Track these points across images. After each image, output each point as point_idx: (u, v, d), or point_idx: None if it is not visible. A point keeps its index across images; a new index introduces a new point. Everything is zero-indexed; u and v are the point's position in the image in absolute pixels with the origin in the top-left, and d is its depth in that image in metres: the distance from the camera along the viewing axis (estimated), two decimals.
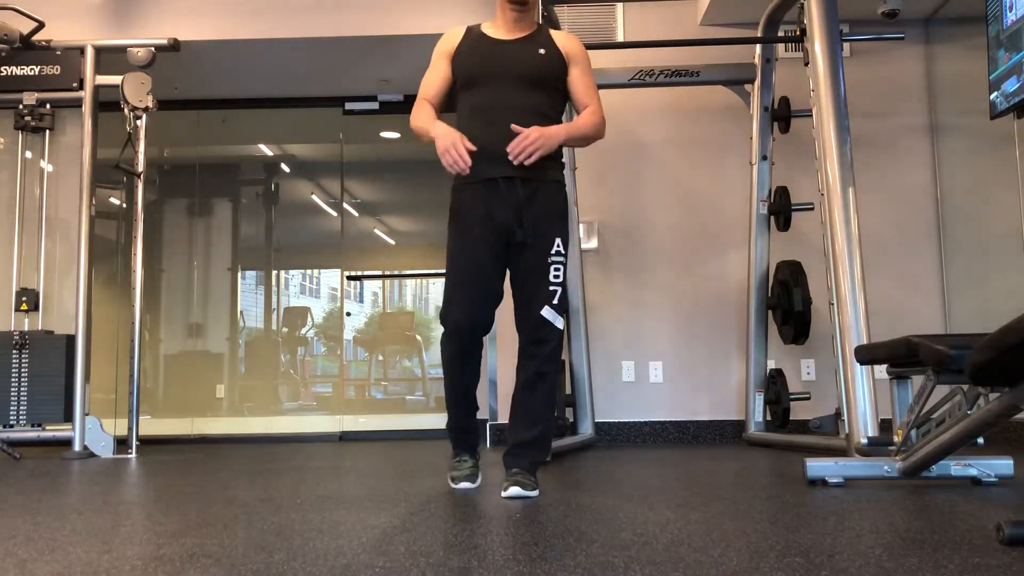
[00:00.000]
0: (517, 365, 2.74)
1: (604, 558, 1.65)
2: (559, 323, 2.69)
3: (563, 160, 2.83)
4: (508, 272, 2.76)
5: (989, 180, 4.40)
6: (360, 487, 2.89)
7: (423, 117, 2.74)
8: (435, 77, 2.82)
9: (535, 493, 2.58)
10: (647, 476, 3.07)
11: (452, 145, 2.55)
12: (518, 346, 2.74)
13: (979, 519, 2.03)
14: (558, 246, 2.70)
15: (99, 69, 4.71)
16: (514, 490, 2.55)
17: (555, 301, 2.68)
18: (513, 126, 2.62)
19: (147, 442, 4.90)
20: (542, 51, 2.78)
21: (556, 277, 2.69)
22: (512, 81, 2.73)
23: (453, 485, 2.79)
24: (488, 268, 2.69)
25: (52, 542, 1.93)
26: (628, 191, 4.92)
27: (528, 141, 2.58)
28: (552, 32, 2.87)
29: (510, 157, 2.60)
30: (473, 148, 2.57)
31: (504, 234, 2.68)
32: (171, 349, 6.13)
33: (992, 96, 3.83)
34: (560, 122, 2.78)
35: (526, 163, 2.59)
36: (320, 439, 5.61)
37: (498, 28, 2.83)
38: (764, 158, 4.65)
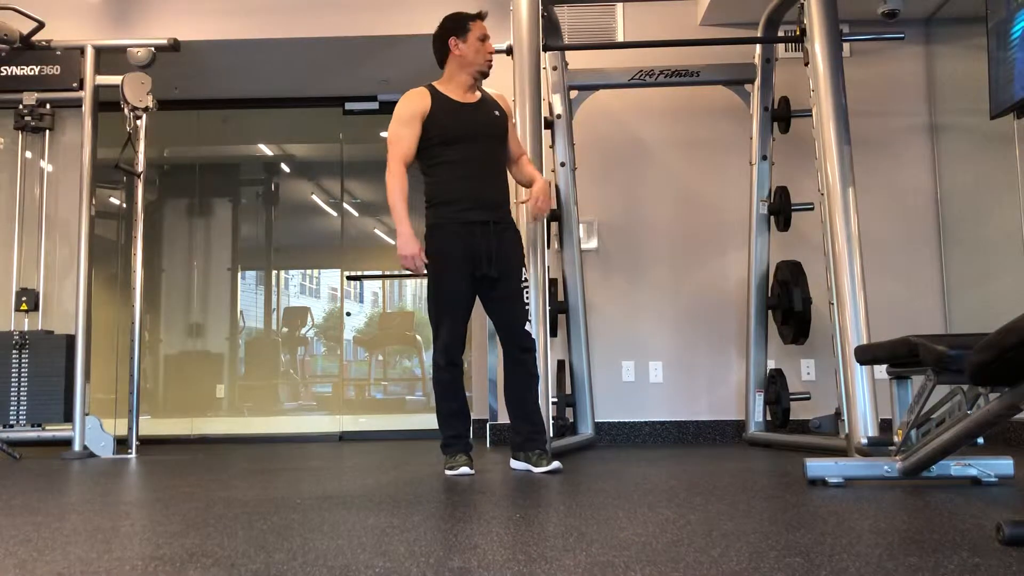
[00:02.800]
0: (507, 370, 3.34)
1: (604, 558, 1.65)
2: (534, 333, 3.39)
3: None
4: (481, 296, 3.32)
5: (989, 180, 4.40)
6: (360, 487, 2.89)
7: (399, 195, 3.23)
8: (412, 136, 3.28)
9: (561, 465, 3.26)
10: (647, 476, 3.07)
11: (414, 256, 3.18)
12: (504, 355, 3.35)
13: (979, 519, 2.03)
14: (524, 274, 3.34)
15: (99, 69, 4.71)
16: (556, 464, 3.21)
17: (529, 317, 3.35)
18: (524, 199, 3.44)
19: (147, 442, 4.89)
20: (496, 112, 3.39)
21: (527, 299, 3.34)
22: (482, 141, 3.31)
23: (451, 472, 3.20)
24: (467, 297, 3.28)
25: (52, 542, 1.93)
26: (628, 191, 4.92)
27: (544, 199, 3.32)
28: (491, 93, 3.46)
29: (532, 217, 3.42)
30: (426, 260, 3.21)
31: (478, 267, 3.23)
32: (171, 349, 6.13)
33: (992, 95, 3.83)
34: (506, 169, 3.45)
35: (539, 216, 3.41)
36: (320, 439, 5.61)
37: (454, 90, 3.35)
38: (764, 158, 4.65)
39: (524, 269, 3.34)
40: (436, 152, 3.29)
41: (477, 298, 3.34)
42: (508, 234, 3.32)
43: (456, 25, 3.35)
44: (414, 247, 3.19)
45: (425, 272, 3.23)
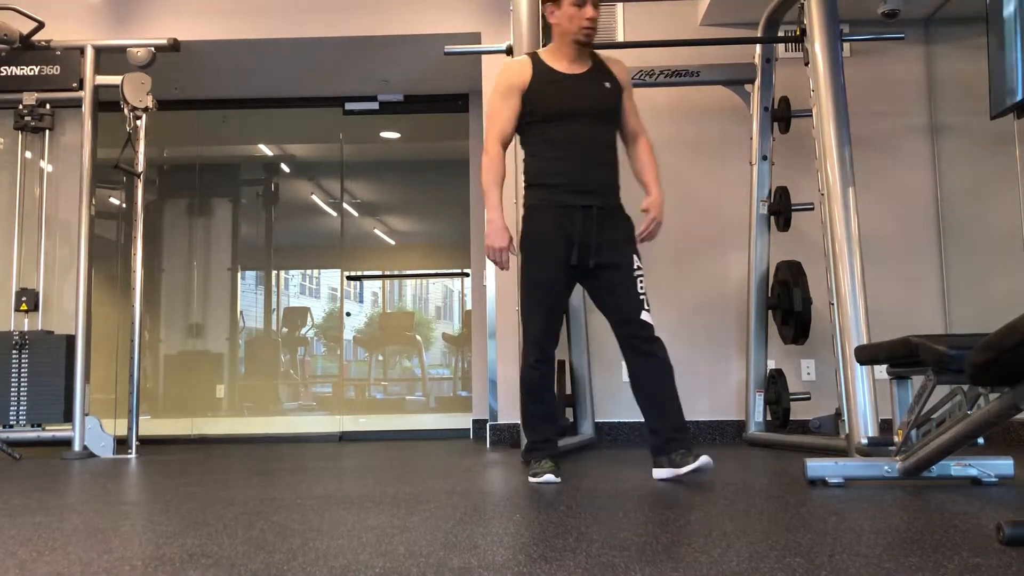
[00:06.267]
0: (632, 367, 2.98)
1: (604, 558, 1.65)
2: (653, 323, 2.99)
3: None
4: (587, 289, 3.07)
5: (989, 180, 4.40)
6: (360, 487, 2.89)
7: (491, 179, 2.97)
8: (509, 112, 3.01)
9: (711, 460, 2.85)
10: (647, 476, 3.07)
11: (502, 249, 2.95)
12: (624, 351, 2.99)
13: (979, 519, 2.03)
14: (637, 263, 3.00)
15: (99, 69, 4.71)
16: (704, 459, 2.80)
17: (647, 306, 2.97)
18: (645, 207, 3.05)
19: (147, 442, 4.90)
20: (607, 84, 3.05)
21: (642, 288, 2.98)
22: (588, 118, 3.00)
23: (535, 480, 2.91)
24: (560, 287, 3.00)
25: (52, 542, 1.93)
26: (628, 191, 4.90)
27: (657, 227, 3.04)
28: (605, 59, 3.11)
29: (643, 239, 3.03)
30: (514, 256, 3.00)
31: (578, 256, 2.95)
32: (171, 349, 6.13)
33: (992, 95, 3.83)
34: (616, 148, 3.10)
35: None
36: (320, 439, 5.61)
37: (558, 59, 3.04)
38: (764, 158, 4.65)
39: (636, 259, 2.98)
40: (534, 129, 3.01)
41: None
42: (613, 219, 3.00)
43: None
44: (503, 239, 2.93)
45: (507, 268, 2.99)
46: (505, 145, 3.02)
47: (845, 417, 3.52)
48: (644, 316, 2.93)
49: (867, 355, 2.90)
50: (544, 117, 2.98)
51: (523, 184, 3.07)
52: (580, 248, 2.93)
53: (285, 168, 6.42)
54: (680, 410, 2.94)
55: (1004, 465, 2.70)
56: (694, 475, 2.82)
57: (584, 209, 2.94)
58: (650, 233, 3.04)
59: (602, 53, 3.14)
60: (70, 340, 4.50)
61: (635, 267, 2.97)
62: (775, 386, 4.52)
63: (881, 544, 1.74)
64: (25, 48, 4.68)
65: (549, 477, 2.89)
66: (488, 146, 3.00)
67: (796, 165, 4.77)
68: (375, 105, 5.96)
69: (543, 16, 4.06)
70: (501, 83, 3.02)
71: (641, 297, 2.95)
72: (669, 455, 2.89)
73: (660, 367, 2.92)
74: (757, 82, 4.65)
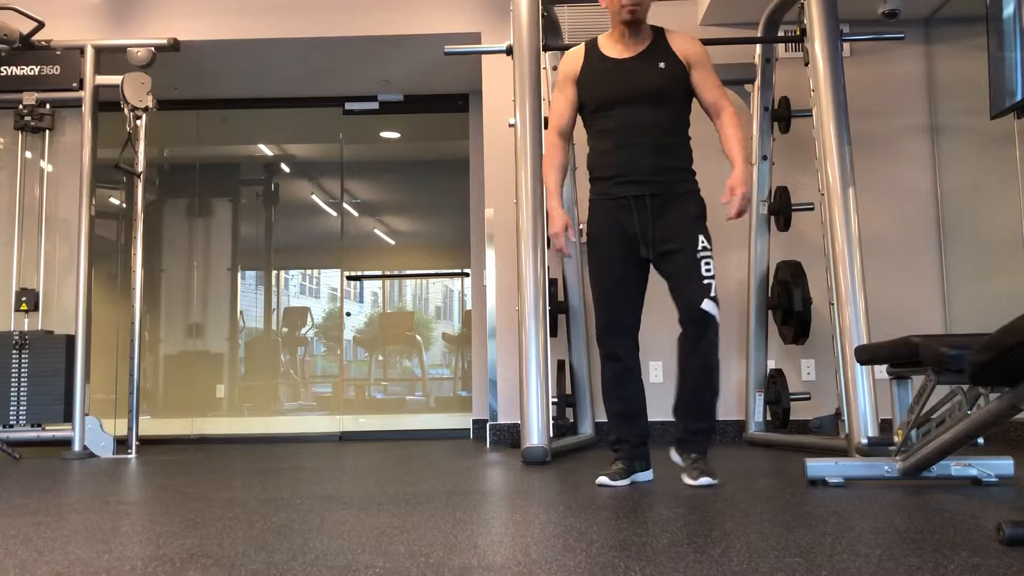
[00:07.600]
0: (680, 352, 2.89)
1: (604, 558, 1.65)
2: (717, 314, 2.81)
3: (693, 169, 2.96)
4: (660, 274, 2.91)
5: (989, 180, 4.40)
6: (360, 487, 2.89)
7: (548, 168, 3.02)
8: (564, 103, 3.00)
9: (717, 480, 2.76)
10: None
11: (556, 234, 2.94)
12: (679, 336, 2.88)
13: (979, 519, 2.03)
14: (702, 243, 2.83)
15: (99, 69, 4.71)
16: (707, 479, 2.72)
17: (712, 293, 2.80)
18: (729, 185, 2.79)
19: (147, 442, 4.89)
20: (662, 65, 2.90)
21: (708, 271, 2.81)
22: (637, 103, 2.88)
23: (597, 482, 2.83)
24: (626, 277, 2.90)
25: (52, 542, 1.93)
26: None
27: (744, 203, 2.79)
28: (669, 36, 2.95)
29: (730, 219, 2.83)
30: (573, 239, 3.00)
31: (638, 245, 2.86)
32: (171, 349, 6.13)
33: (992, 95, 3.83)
34: (687, 132, 2.98)
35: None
36: (320, 439, 5.61)
37: (615, 43, 2.95)
38: (764, 158, 4.65)
39: (702, 238, 2.83)
40: (591, 120, 2.97)
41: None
42: (674, 205, 2.86)
43: None
44: (556, 224, 2.93)
45: (568, 254, 2.98)
46: (563, 135, 3.02)
47: (845, 417, 3.52)
48: (705, 305, 2.77)
49: (867, 355, 2.90)
50: (594, 106, 2.94)
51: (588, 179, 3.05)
52: (639, 240, 2.86)
53: (285, 168, 6.42)
54: (706, 412, 2.87)
55: (1004, 465, 2.70)
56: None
57: (636, 199, 2.86)
58: (738, 212, 2.81)
59: (673, 34, 2.98)
60: (70, 340, 4.50)
61: (699, 247, 2.82)
62: (775, 386, 4.52)
63: (881, 544, 1.74)
64: (25, 48, 4.68)
65: (603, 480, 2.80)
66: (547, 135, 3.06)
67: (796, 165, 4.77)
68: (375, 105, 5.96)
69: (541, 20, 4.08)
70: (558, 75, 3.03)
71: (706, 282, 2.79)
72: (681, 452, 2.88)
73: (701, 367, 2.82)
74: (757, 82, 4.65)
